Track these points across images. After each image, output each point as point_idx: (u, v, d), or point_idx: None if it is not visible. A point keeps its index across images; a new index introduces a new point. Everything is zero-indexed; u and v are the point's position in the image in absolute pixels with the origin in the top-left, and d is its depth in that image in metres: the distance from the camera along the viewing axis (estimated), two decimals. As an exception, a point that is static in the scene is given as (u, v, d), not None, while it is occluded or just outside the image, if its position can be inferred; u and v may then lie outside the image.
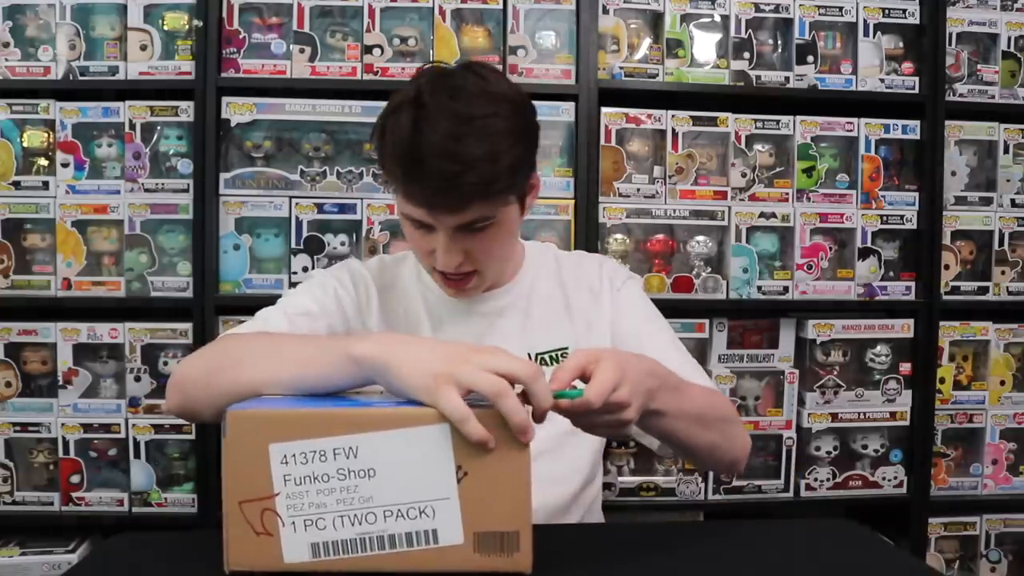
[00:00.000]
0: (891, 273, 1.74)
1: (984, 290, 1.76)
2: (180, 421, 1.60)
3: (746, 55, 1.71)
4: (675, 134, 1.68)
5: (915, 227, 1.74)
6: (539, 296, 1.08)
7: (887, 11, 1.73)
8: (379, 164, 0.96)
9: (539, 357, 1.05)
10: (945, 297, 1.74)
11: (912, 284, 1.74)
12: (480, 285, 1.01)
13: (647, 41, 1.71)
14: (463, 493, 0.64)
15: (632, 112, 1.67)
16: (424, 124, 0.86)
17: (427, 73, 0.95)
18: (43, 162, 1.64)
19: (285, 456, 0.64)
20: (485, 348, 0.68)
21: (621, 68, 1.69)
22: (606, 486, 1.67)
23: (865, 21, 1.72)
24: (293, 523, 0.64)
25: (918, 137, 1.74)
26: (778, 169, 1.73)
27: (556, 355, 1.05)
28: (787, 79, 1.71)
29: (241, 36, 1.62)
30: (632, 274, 1.16)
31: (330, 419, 0.65)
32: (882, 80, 1.73)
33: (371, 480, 0.64)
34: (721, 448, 0.94)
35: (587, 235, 1.63)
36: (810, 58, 1.72)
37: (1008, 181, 1.77)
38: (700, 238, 1.70)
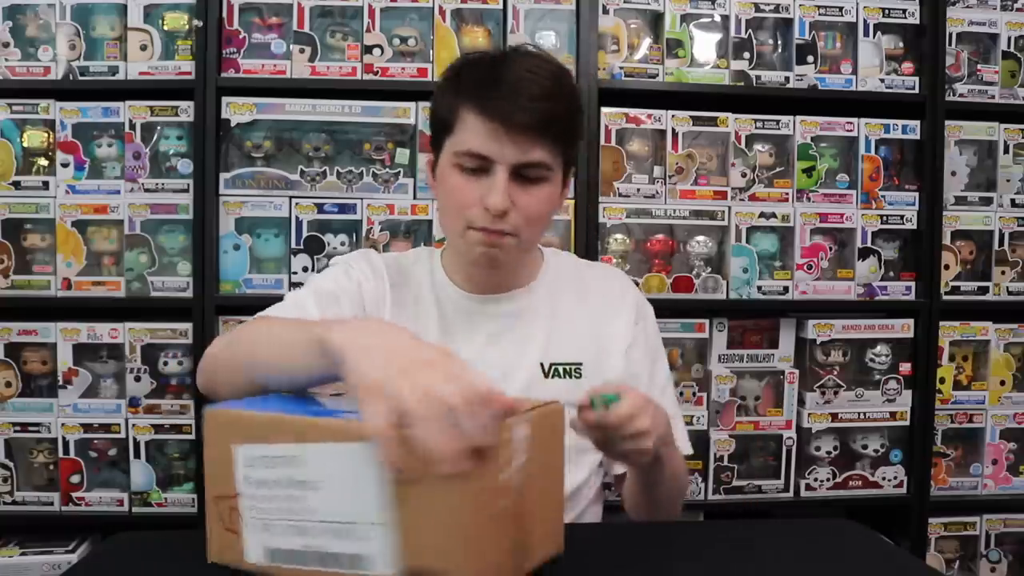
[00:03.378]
0: (891, 273, 1.74)
1: (984, 290, 1.76)
2: (180, 421, 1.61)
3: (746, 55, 1.71)
4: (675, 134, 1.68)
5: (915, 227, 1.74)
6: (558, 304, 1.07)
7: (887, 11, 1.73)
8: (440, 111, 0.99)
9: (552, 367, 1.04)
10: (945, 297, 1.74)
11: (912, 284, 1.74)
12: (512, 252, 0.98)
13: (647, 41, 1.71)
14: (401, 521, 0.59)
15: (632, 112, 1.67)
16: (509, 61, 0.96)
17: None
18: (43, 162, 1.64)
19: (246, 458, 0.64)
20: (443, 362, 0.60)
21: (621, 68, 1.68)
22: (606, 486, 1.66)
23: (865, 21, 1.72)
24: (250, 524, 0.65)
25: (918, 137, 1.74)
26: (778, 169, 1.73)
27: (571, 369, 1.04)
28: (787, 79, 1.71)
29: (241, 36, 1.62)
30: (647, 303, 1.15)
31: (281, 425, 0.64)
32: (882, 80, 1.73)
33: (316, 493, 0.61)
34: (668, 510, 1.03)
35: (587, 235, 1.63)
36: (810, 58, 1.72)
37: (1008, 181, 1.77)
38: (700, 238, 1.70)
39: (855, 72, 1.73)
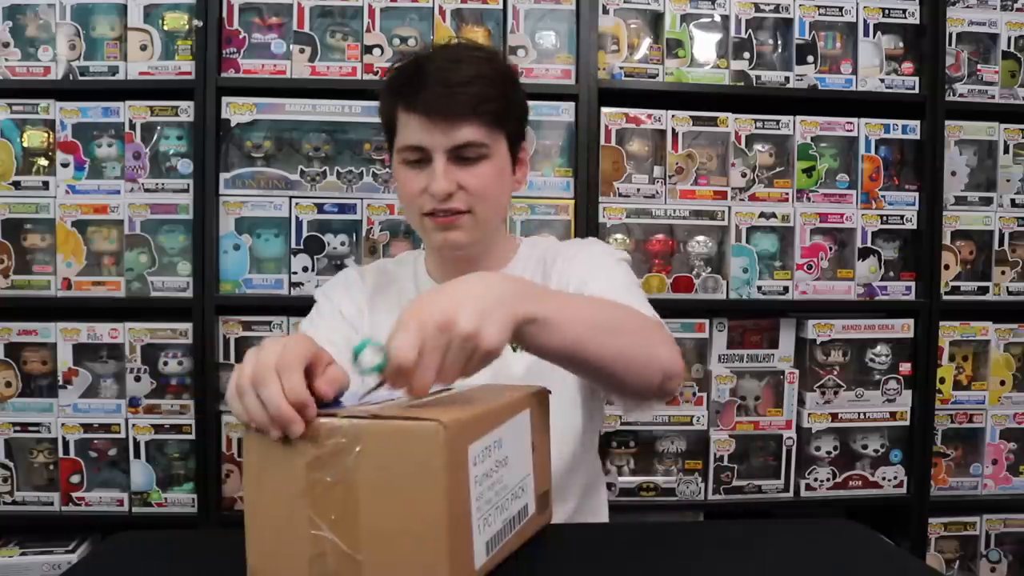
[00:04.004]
0: (891, 273, 1.74)
1: (984, 290, 1.76)
2: (180, 421, 1.61)
3: (746, 55, 1.71)
4: (675, 134, 1.68)
5: (915, 227, 1.74)
6: None
7: (887, 11, 1.73)
8: (384, 117, 1.08)
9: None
10: (945, 297, 1.74)
11: (912, 284, 1.74)
12: (472, 230, 1.03)
13: (647, 41, 1.71)
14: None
15: (632, 112, 1.67)
16: (427, 59, 1.02)
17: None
18: (43, 162, 1.64)
19: (473, 456, 0.62)
20: (269, 346, 0.63)
21: (621, 68, 1.68)
22: (607, 486, 1.67)
23: (865, 21, 1.72)
24: (477, 529, 0.63)
25: (918, 137, 1.74)
26: (778, 169, 1.73)
27: None
28: (787, 79, 1.71)
29: (241, 36, 1.62)
30: (600, 243, 1.18)
31: (488, 414, 0.66)
32: (882, 80, 1.73)
33: (507, 467, 0.67)
34: (636, 360, 0.83)
35: (587, 235, 1.63)
36: (810, 58, 1.72)
37: (1008, 181, 1.77)
38: (700, 238, 1.70)
39: (855, 72, 1.73)
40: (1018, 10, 1.78)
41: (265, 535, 0.62)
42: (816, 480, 1.73)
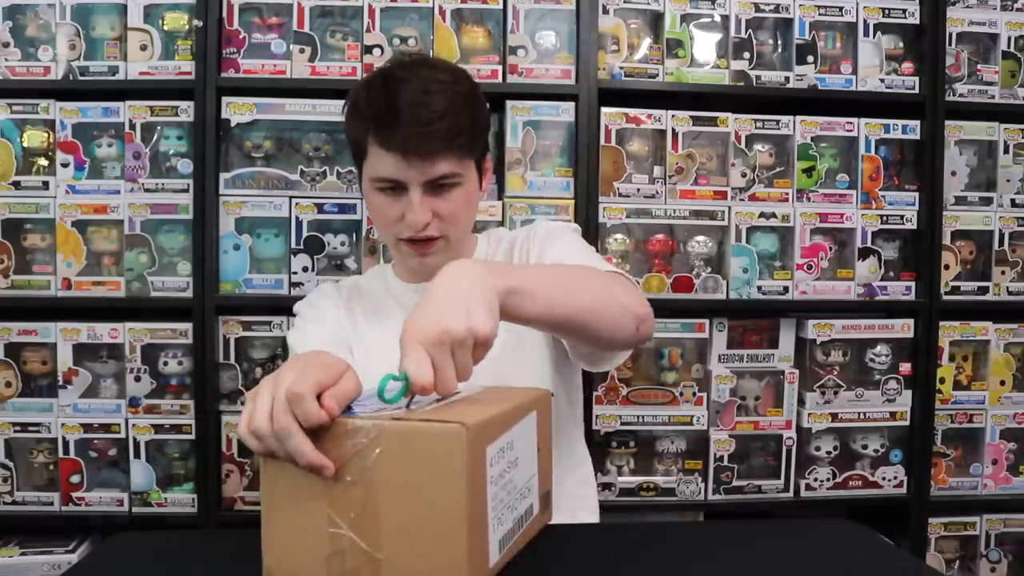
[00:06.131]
0: (891, 273, 1.74)
1: (984, 290, 1.76)
2: (180, 421, 1.61)
3: (746, 55, 1.71)
4: (675, 134, 1.68)
5: (915, 227, 1.74)
6: None
7: (887, 11, 1.73)
8: (352, 138, 1.09)
9: None
10: (945, 297, 1.74)
11: (912, 284, 1.74)
12: (444, 251, 1.08)
13: (647, 41, 1.71)
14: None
15: (632, 112, 1.67)
16: (398, 84, 1.01)
17: (392, 59, 1.15)
18: (43, 162, 1.64)
19: (490, 457, 0.63)
20: (285, 375, 0.63)
21: (621, 68, 1.68)
22: (607, 486, 1.67)
23: (865, 21, 1.73)
24: (492, 527, 0.64)
25: (918, 137, 1.74)
26: (778, 169, 1.73)
27: None
28: (787, 79, 1.71)
29: (241, 36, 1.62)
30: (555, 223, 1.23)
31: (502, 417, 0.67)
32: (882, 80, 1.73)
33: (517, 467, 0.69)
34: (608, 310, 0.88)
35: (587, 235, 1.63)
36: (810, 58, 1.72)
37: (1008, 181, 1.77)
38: (700, 238, 1.70)
39: (855, 72, 1.73)
40: (1018, 10, 1.78)
41: (281, 534, 0.63)
42: (816, 480, 1.73)
